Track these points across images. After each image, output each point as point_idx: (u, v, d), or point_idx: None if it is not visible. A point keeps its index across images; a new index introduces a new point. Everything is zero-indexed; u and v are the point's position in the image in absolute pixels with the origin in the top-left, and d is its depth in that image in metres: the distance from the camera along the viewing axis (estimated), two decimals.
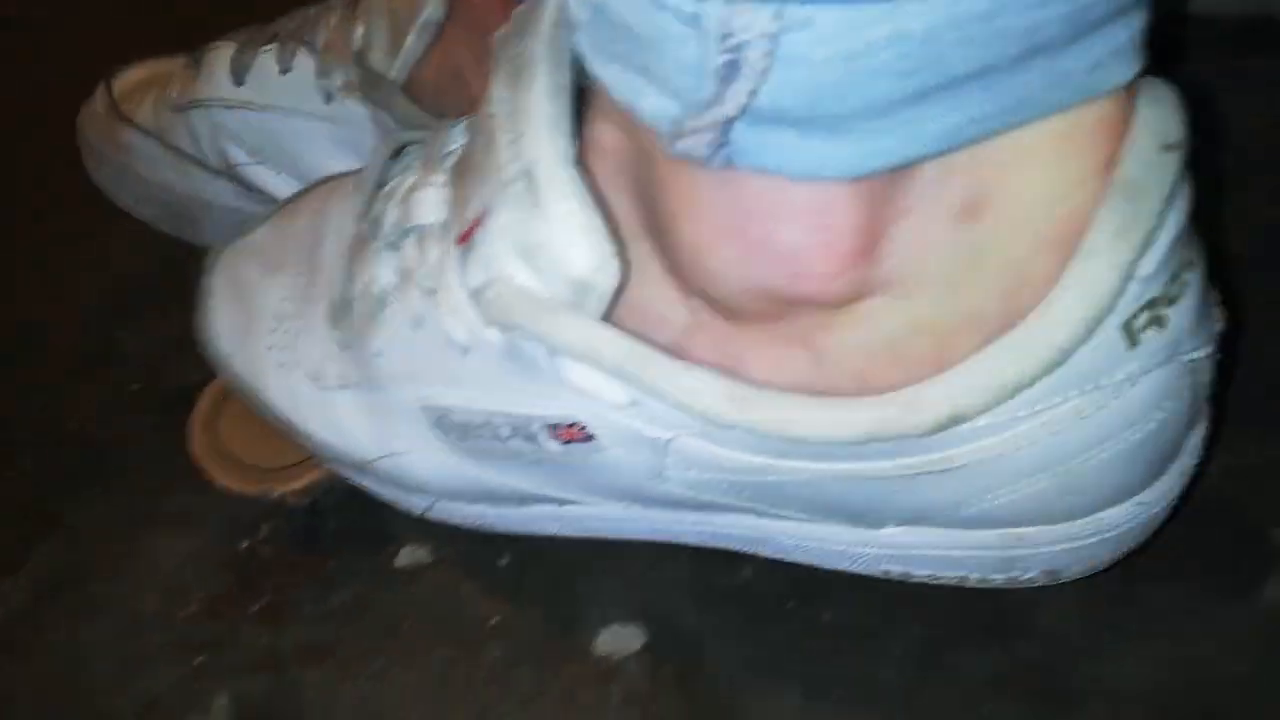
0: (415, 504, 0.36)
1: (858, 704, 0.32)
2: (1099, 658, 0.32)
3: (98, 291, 0.51)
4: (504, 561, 0.37)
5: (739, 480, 0.28)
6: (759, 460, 0.27)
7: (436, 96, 0.44)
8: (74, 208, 0.53)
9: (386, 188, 0.34)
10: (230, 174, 0.47)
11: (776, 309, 0.25)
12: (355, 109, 0.44)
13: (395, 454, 0.33)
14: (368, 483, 0.37)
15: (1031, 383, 0.24)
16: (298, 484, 0.39)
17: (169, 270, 0.48)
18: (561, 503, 0.33)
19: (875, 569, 0.32)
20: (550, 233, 0.25)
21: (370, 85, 0.43)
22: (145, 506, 0.41)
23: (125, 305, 0.50)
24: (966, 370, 0.24)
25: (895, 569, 0.32)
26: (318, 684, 0.35)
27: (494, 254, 0.26)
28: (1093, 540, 0.29)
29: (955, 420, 0.24)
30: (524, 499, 0.34)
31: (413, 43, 0.43)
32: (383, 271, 0.32)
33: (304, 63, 0.45)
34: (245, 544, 0.40)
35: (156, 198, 0.49)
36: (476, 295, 0.27)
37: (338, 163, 0.44)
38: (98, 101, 0.50)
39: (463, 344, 0.29)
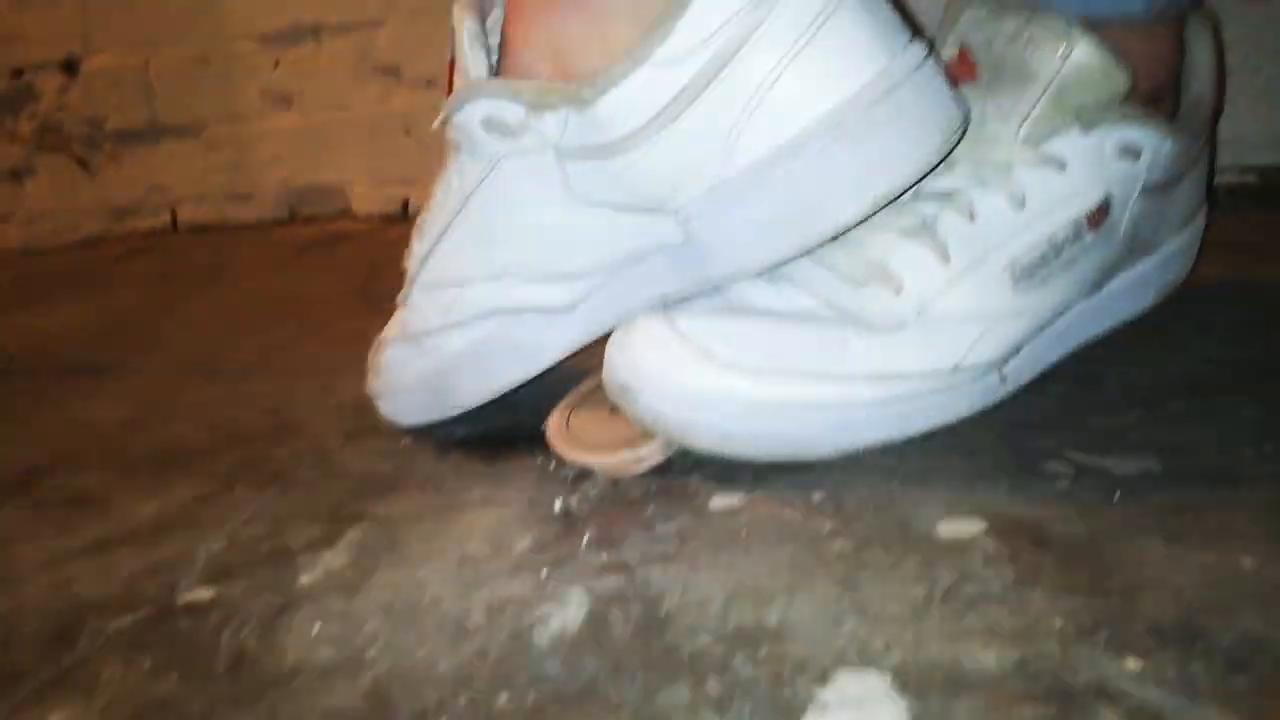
0: (995, 382, 0.43)
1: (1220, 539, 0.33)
2: None
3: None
4: (817, 497, 0.39)
5: None
6: None
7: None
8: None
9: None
10: (448, 322, 0.47)
11: None
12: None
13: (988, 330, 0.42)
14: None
15: None
16: (654, 443, 0.42)
17: None
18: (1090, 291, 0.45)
19: None
20: None
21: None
22: (445, 501, 0.43)
23: None
24: None
25: None
26: (671, 577, 0.35)
27: None
28: None
29: None
30: (1075, 302, 0.45)
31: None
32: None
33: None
34: (558, 507, 0.41)
35: (417, 387, 0.49)
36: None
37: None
38: (369, 360, 0.52)
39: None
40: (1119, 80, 0.42)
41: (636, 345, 0.41)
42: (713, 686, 0.29)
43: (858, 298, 0.41)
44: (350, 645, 0.33)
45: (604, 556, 0.37)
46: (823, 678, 0.29)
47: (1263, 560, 0.31)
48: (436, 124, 0.44)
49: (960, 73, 0.44)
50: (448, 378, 0.48)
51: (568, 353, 0.46)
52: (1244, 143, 0.70)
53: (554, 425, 0.45)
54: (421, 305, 0.48)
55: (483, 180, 0.43)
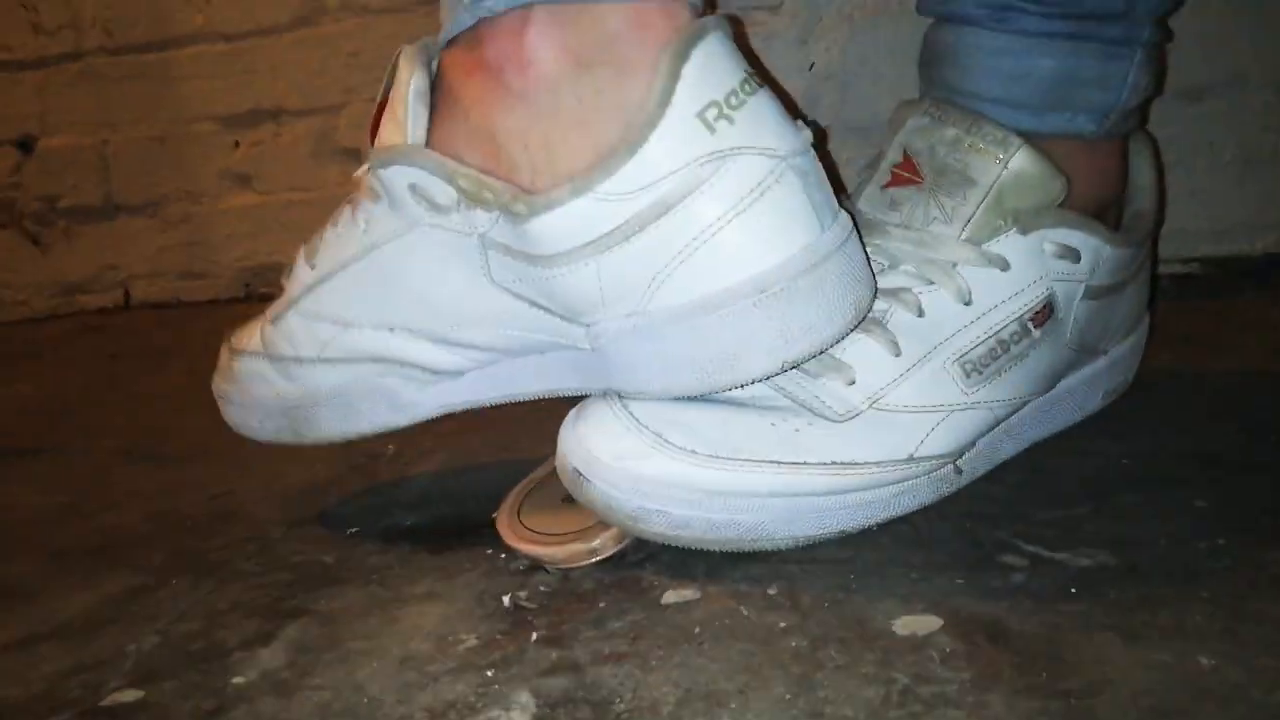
0: (951, 473, 0.43)
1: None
2: None
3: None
4: (773, 590, 0.38)
5: None
6: None
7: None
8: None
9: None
10: (323, 357, 0.46)
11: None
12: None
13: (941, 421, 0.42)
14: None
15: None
16: (607, 534, 0.41)
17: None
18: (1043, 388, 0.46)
19: None
20: None
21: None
22: (390, 595, 0.42)
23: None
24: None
25: None
26: (621, 677, 0.34)
27: None
28: None
29: None
30: (1027, 398, 0.45)
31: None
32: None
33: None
34: (507, 601, 0.40)
35: (275, 408, 0.48)
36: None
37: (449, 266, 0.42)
38: (221, 356, 0.51)
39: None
40: (1055, 187, 0.43)
41: (589, 430, 0.40)
42: None
43: (812, 387, 0.41)
44: None
45: (553, 655, 0.35)
46: None
47: (1220, 660, 0.31)
48: (359, 172, 0.43)
49: (905, 176, 0.45)
50: (309, 410, 0.47)
51: (442, 413, 0.46)
52: (1185, 234, 0.72)
53: (504, 515, 0.44)
54: (296, 332, 0.46)
55: (398, 237, 0.42)
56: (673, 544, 0.40)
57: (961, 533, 0.41)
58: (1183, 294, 0.71)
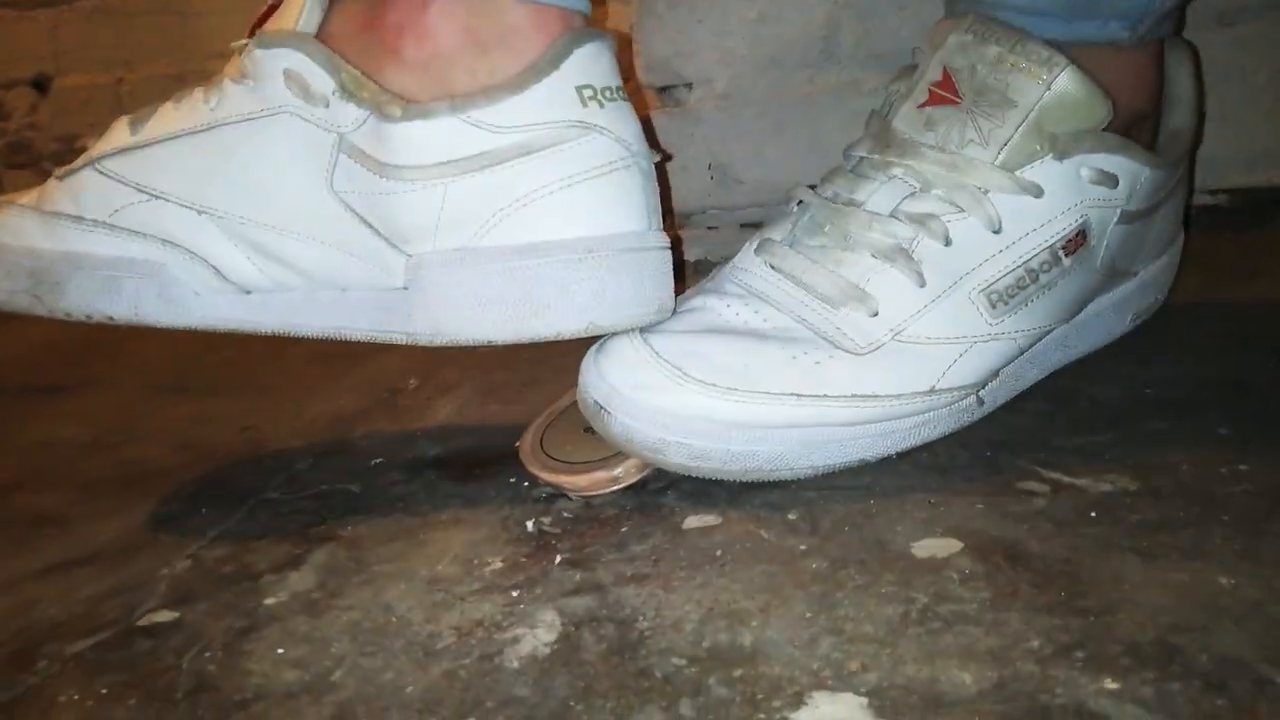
0: (973, 404, 0.43)
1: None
2: None
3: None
4: (793, 516, 0.39)
5: None
6: None
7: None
8: None
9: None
10: (107, 221, 0.43)
11: None
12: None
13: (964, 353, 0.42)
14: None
15: None
16: (629, 462, 0.41)
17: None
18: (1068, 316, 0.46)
19: None
20: None
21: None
22: (416, 522, 0.42)
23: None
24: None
25: None
26: (644, 597, 0.34)
27: None
28: None
29: None
30: (1053, 327, 0.45)
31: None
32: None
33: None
34: (531, 526, 0.40)
35: (21, 267, 0.44)
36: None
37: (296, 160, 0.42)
38: None
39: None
40: (1101, 110, 0.42)
41: (610, 364, 0.40)
42: (686, 709, 0.28)
43: (834, 319, 0.41)
44: (315, 668, 0.33)
45: (577, 577, 0.36)
46: (798, 700, 0.28)
47: (1239, 579, 0.31)
48: (236, 44, 0.43)
49: (943, 95, 0.44)
50: (59, 271, 0.43)
51: (206, 327, 0.44)
52: (1216, 164, 0.71)
53: (527, 445, 0.44)
54: (87, 189, 0.44)
55: (250, 119, 0.42)
56: (693, 474, 0.40)
57: (982, 460, 0.41)
58: (1213, 223, 0.70)
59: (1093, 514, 0.36)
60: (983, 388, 0.43)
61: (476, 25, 0.41)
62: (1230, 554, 0.32)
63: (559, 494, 0.43)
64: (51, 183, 0.45)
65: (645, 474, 0.42)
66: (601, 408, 0.40)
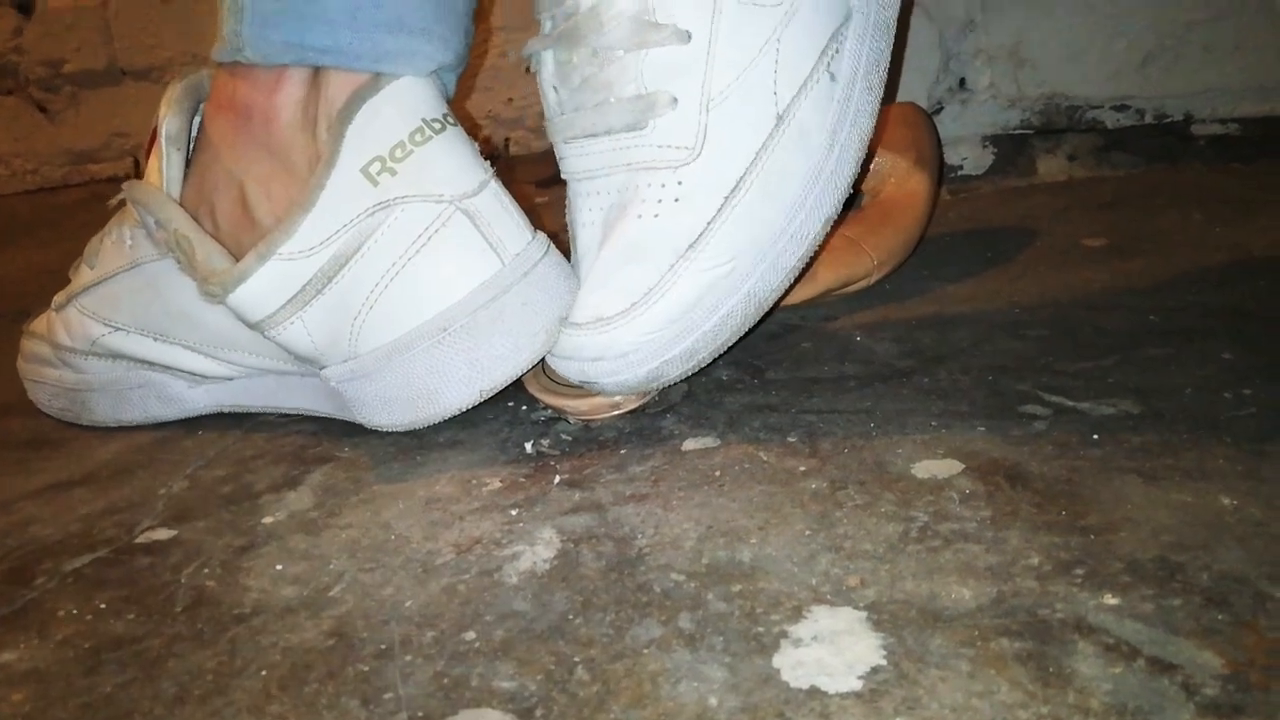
0: (823, 89, 0.39)
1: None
2: None
3: None
4: (792, 438, 0.38)
5: None
6: None
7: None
8: None
9: None
10: (93, 351, 0.47)
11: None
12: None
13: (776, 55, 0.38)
14: None
15: None
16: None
17: None
18: None
19: None
20: None
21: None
22: (413, 443, 0.42)
23: None
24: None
25: None
26: (643, 515, 0.34)
27: None
28: None
29: None
30: None
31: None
32: None
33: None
34: (529, 448, 0.40)
35: (58, 390, 0.50)
36: None
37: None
38: (24, 330, 0.52)
39: None
40: None
41: (560, 363, 0.41)
42: (685, 622, 0.28)
43: (651, 138, 0.39)
44: (313, 584, 0.32)
45: (576, 496, 0.36)
46: (797, 614, 0.28)
47: (1241, 499, 0.31)
48: (114, 201, 0.45)
49: None
50: (85, 395, 0.48)
51: (215, 410, 0.47)
52: (1228, 92, 0.70)
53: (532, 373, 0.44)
54: (72, 323, 0.48)
55: (158, 259, 0.44)
56: (704, 364, 0.40)
57: (983, 385, 0.41)
58: (1219, 155, 0.69)
59: (1095, 437, 0.36)
60: (828, 63, 0.40)
61: (313, 100, 0.40)
62: (1233, 475, 0.32)
63: (557, 418, 0.42)
64: (52, 315, 0.50)
65: (646, 400, 0.42)
66: (588, 385, 0.40)
